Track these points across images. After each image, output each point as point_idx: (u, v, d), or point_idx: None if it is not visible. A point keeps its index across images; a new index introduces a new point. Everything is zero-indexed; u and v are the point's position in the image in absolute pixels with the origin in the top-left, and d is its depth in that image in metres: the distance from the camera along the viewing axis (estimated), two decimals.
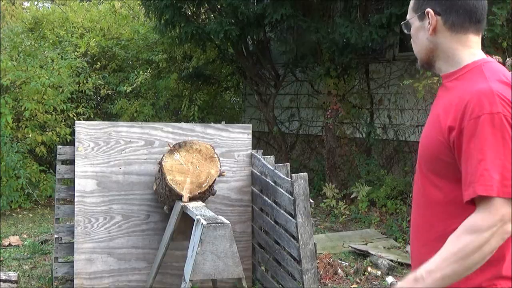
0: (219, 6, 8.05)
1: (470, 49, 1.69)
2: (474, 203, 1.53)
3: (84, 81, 8.56)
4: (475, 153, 1.51)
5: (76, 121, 4.45)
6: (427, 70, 1.89)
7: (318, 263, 4.74)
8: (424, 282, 1.51)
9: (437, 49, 1.71)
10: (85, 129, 4.32)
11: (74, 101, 8.75)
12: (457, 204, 1.59)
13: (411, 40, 1.80)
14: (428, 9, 1.68)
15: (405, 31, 1.82)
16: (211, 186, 4.13)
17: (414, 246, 1.78)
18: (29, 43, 8.09)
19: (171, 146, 4.13)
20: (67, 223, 4.93)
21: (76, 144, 4.29)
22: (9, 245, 5.79)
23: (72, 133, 6.73)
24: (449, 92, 1.68)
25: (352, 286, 4.80)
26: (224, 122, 4.88)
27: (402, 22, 1.81)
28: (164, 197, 4.15)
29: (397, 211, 6.77)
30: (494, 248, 1.49)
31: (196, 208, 3.81)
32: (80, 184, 4.26)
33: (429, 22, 1.69)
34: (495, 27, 5.22)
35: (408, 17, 1.78)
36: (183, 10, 8.00)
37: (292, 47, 8.35)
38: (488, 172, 1.48)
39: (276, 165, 4.35)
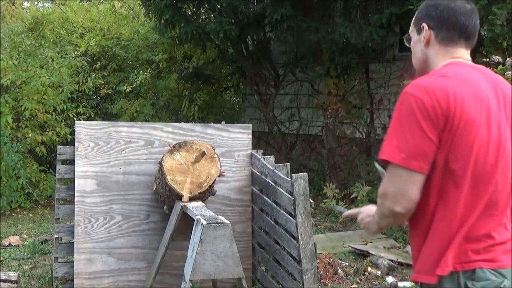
0: (219, 6, 8.04)
1: (453, 58, 1.85)
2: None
3: (84, 81, 8.56)
4: (390, 124, 1.76)
5: (76, 121, 4.45)
6: None
7: (318, 263, 4.74)
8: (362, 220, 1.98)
9: (428, 60, 1.90)
10: (85, 129, 4.32)
11: (74, 101, 8.75)
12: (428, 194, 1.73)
13: (411, 52, 1.98)
14: (424, 24, 1.87)
15: (407, 44, 2.00)
16: (211, 186, 4.13)
17: (411, 243, 1.90)
18: (29, 43, 8.09)
19: (171, 146, 4.13)
20: (67, 223, 4.93)
21: (76, 144, 4.29)
22: (9, 245, 5.79)
23: (72, 133, 6.73)
24: None
25: (352, 286, 4.80)
26: (224, 122, 4.87)
27: (404, 36, 2.01)
28: (164, 197, 4.15)
29: None
30: (384, 214, 1.80)
31: (196, 208, 3.81)
32: (80, 184, 4.26)
33: (424, 36, 1.88)
34: (495, 27, 5.22)
35: (410, 31, 1.97)
36: (183, 10, 8.00)
37: (292, 47, 8.34)
38: (389, 141, 1.72)
39: (276, 165, 4.35)
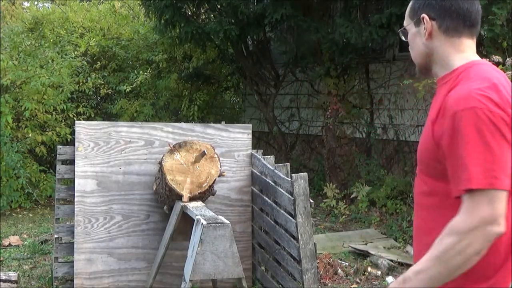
0: (219, 6, 8.04)
1: (463, 53, 1.72)
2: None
3: (84, 81, 8.57)
4: (455, 151, 1.52)
5: (76, 121, 4.45)
6: (425, 76, 1.92)
7: (318, 263, 4.74)
8: (412, 282, 1.55)
9: (432, 54, 1.74)
10: (85, 129, 4.32)
11: (74, 101, 8.76)
12: (454, 207, 1.59)
13: (409, 46, 1.83)
14: (424, 15, 1.72)
15: (403, 38, 1.85)
16: (211, 186, 4.13)
17: (416, 249, 1.80)
18: (29, 43, 8.09)
19: (171, 146, 4.13)
20: (67, 223, 4.93)
21: (76, 144, 4.29)
22: (9, 245, 5.79)
23: (72, 133, 6.73)
24: (437, 96, 1.72)
25: (352, 286, 4.80)
26: (224, 122, 4.88)
27: (399, 30, 1.85)
28: (164, 197, 4.15)
29: (397, 211, 6.77)
30: (478, 250, 1.48)
31: (196, 208, 3.81)
32: (80, 184, 4.26)
33: (424, 28, 1.72)
34: (495, 27, 5.22)
35: (405, 24, 1.82)
36: (183, 10, 8.00)
37: (292, 47, 8.34)
38: (467, 168, 1.49)
39: (276, 165, 4.35)
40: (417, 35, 1.76)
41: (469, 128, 1.50)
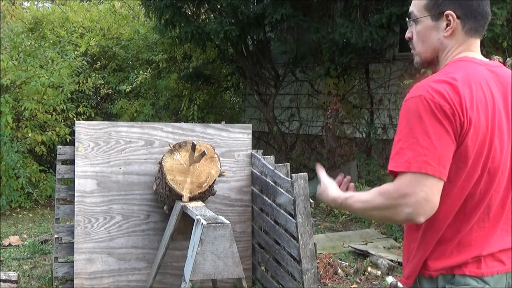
0: (219, 6, 8.05)
1: (471, 52, 1.72)
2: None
3: (84, 81, 8.57)
4: (397, 134, 1.60)
5: (76, 121, 4.45)
6: (424, 68, 1.90)
7: (318, 263, 4.74)
8: (340, 201, 1.76)
9: (445, 51, 1.72)
10: (85, 129, 4.32)
11: (74, 101, 8.76)
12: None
13: (415, 36, 1.77)
14: (450, 11, 1.66)
15: (409, 26, 1.79)
16: (211, 186, 4.13)
17: (405, 244, 1.82)
18: (29, 43, 8.09)
19: (171, 146, 4.13)
20: (67, 223, 4.93)
21: (76, 144, 4.29)
22: (9, 245, 5.79)
23: (72, 134, 6.72)
24: None
25: (352, 286, 4.80)
26: (224, 122, 4.88)
27: (410, 18, 1.77)
28: (164, 197, 4.15)
29: None
30: (390, 216, 1.62)
31: (196, 208, 3.81)
32: (80, 184, 4.26)
33: (447, 24, 1.68)
34: (495, 27, 5.22)
35: (417, 14, 1.74)
36: (183, 10, 8.00)
37: (292, 47, 8.35)
38: (402, 151, 1.57)
39: (276, 165, 4.35)
40: (433, 29, 1.70)
41: (410, 114, 1.57)
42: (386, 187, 1.62)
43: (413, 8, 1.76)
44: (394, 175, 1.61)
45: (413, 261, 1.71)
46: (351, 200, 1.73)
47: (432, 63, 1.77)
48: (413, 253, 1.71)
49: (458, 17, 1.66)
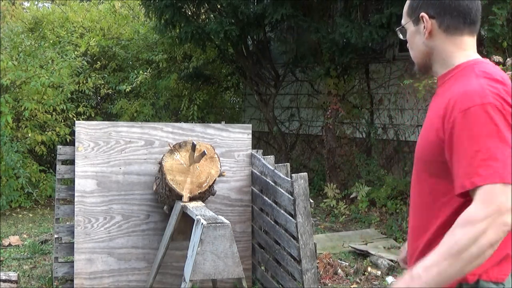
0: (219, 6, 8.04)
1: (465, 51, 1.69)
2: (467, 197, 1.49)
3: (84, 81, 8.57)
4: (469, 145, 1.47)
5: (76, 121, 4.45)
6: (425, 74, 1.89)
7: (318, 263, 4.74)
8: (421, 280, 1.44)
9: (433, 53, 1.71)
10: (85, 129, 4.32)
11: (74, 101, 8.76)
12: (453, 206, 1.58)
13: (407, 45, 1.79)
14: (423, 13, 1.68)
15: (401, 37, 1.81)
16: (211, 186, 4.13)
17: (411, 248, 1.77)
18: (29, 43, 8.09)
19: (171, 146, 4.13)
20: (67, 223, 4.93)
21: (76, 144, 4.29)
22: (9, 245, 5.79)
23: (72, 134, 6.72)
24: (441, 93, 1.68)
25: (352, 286, 4.80)
26: (224, 122, 4.87)
27: (397, 28, 1.79)
28: (164, 197, 4.15)
29: (397, 211, 6.77)
30: (492, 240, 1.40)
31: (196, 208, 3.81)
32: (80, 184, 4.26)
33: (424, 26, 1.68)
34: (495, 27, 5.22)
35: (402, 22, 1.77)
36: (183, 10, 8.00)
37: (292, 47, 8.35)
38: (485, 162, 1.44)
39: (276, 165, 4.35)
40: (417, 33, 1.72)
41: (486, 123, 1.46)
42: (466, 213, 1.44)
43: (403, 18, 1.78)
44: (466, 194, 1.47)
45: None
46: (422, 273, 1.44)
47: (426, 68, 1.77)
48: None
49: (432, 17, 1.67)
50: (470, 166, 1.46)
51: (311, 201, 3.85)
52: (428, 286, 1.43)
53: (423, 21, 1.68)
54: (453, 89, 1.60)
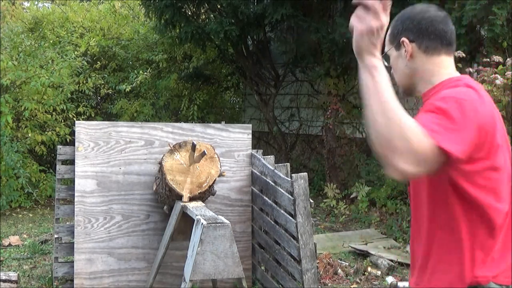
0: (219, 6, 8.05)
1: (446, 69, 1.80)
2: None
3: (84, 81, 8.57)
4: (434, 115, 1.54)
5: (76, 121, 4.45)
6: (410, 96, 1.96)
7: (318, 263, 4.74)
8: (373, 75, 1.57)
9: (415, 74, 1.82)
10: (85, 129, 4.32)
11: (74, 101, 8.76)
12: (452, 203, 1.63)
13: (392, 70, 1.89)
14: (403, 38, 1.81)
15: (385, 63, 1.86)
16: (211, 186, 4.13)
17: (414, 247, 1.81)
18: (29, 43, 8.09)
19: (171, 146, 4.13)
20: (67, 223, 4.93)
21: (76, 144, 4.29)
22: (9, 245, 5.79)
23: (72, 134, 6.72)
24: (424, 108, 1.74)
25: (352, 286, 4.80)
26: (224, 122, 4.88)
27: (381, 55, 1.77)
28: (164, 197, 4.15)
29: (397, 211, 6.77)
30: (398, 150, 1.44)
31: (196, 208, 3.81)
32: (80, 184, 4.26)
33: (405, 50, 1.80)
34: (495, 27, 5.22)
35: (386, 49, 1.88)
36: (183, 10, 8.00)
37: (292, 47, 8.34)
38: (438, 127, 1.51)
39: (276, 165, 4.35)
40: (399, 58, 1.84)
41: (449, 105, 1.55)
42: (424, 129, 1.49)
43: (385, 45, 1.88)
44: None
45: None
46: (377, 72, 1.56)
47: (411, 89, 1.87)
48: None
49: (412, 41, 1.79)
50: (428, 121, 1.53)
51: (311, 201, 3.85)
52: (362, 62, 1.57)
53: (404, 46, 1.81)
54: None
